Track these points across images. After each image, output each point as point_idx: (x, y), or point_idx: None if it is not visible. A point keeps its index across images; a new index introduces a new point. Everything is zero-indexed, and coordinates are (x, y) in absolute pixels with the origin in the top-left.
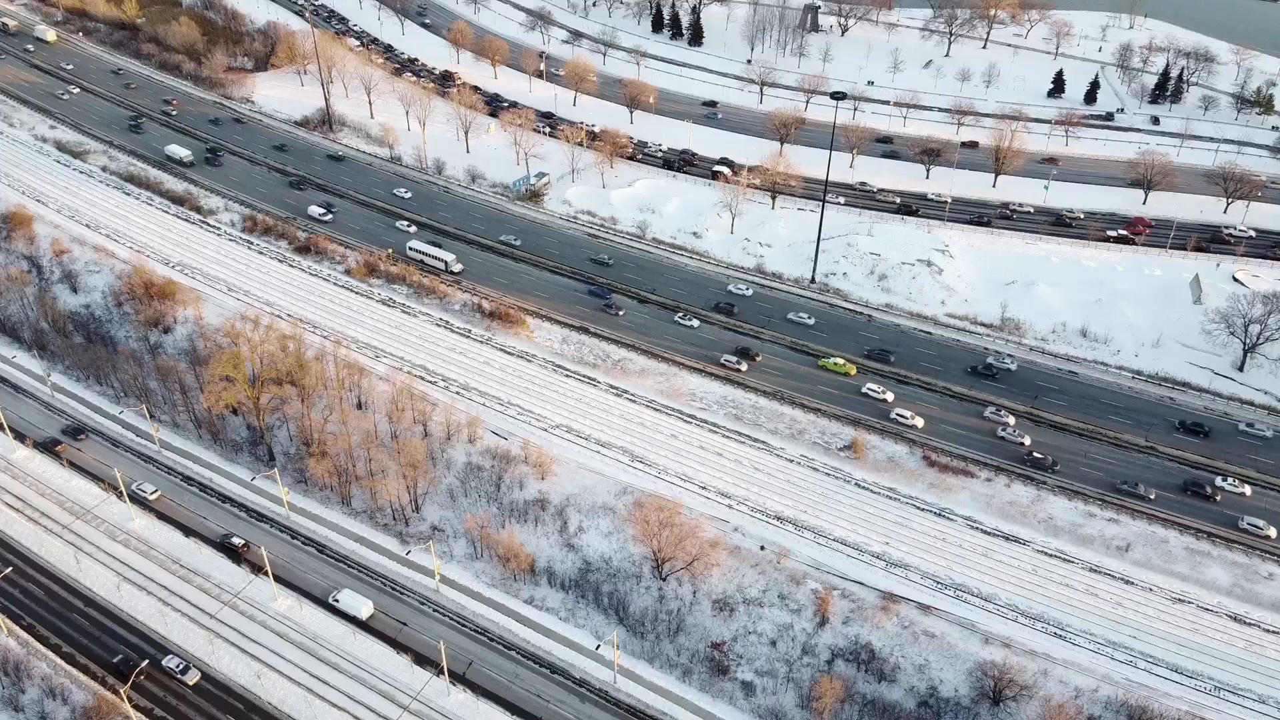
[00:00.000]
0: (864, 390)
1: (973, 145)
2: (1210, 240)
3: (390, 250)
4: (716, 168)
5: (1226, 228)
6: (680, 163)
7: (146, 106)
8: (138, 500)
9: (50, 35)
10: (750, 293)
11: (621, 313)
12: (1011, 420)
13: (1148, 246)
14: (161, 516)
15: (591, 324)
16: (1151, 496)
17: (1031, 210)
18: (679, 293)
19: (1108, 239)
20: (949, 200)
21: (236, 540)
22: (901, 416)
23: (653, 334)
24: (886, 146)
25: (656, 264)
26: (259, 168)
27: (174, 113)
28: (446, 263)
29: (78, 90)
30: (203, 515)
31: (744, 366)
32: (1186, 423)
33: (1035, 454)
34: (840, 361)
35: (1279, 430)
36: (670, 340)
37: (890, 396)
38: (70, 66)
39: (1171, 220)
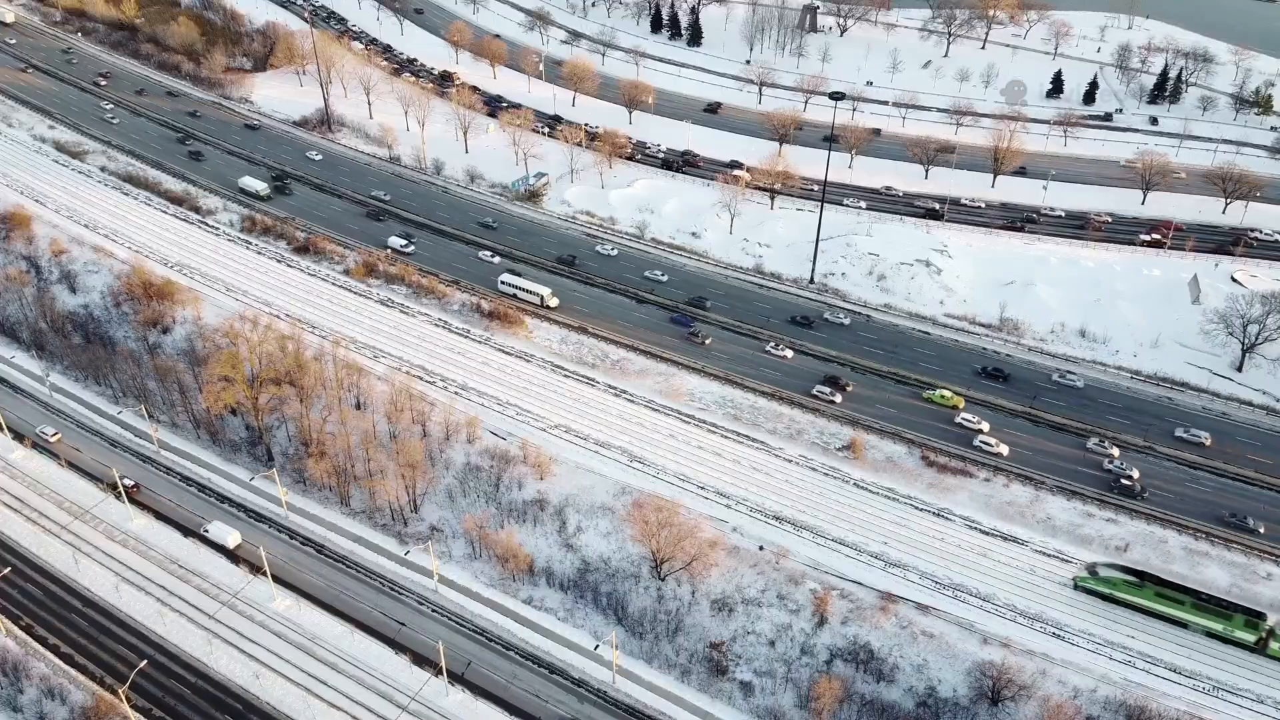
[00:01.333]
0: (958, 420)
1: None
2: (1233, 243)
3: (389, 251)
4: (735, 172)
5: (1252, 230)
6: (680, 163)
7: (204, 132)
8: (37, 445)
9: (9, 16)
10: (615, 253)
11: (708, 341)
12: (1116, 451)
13: (1146, 246)
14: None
15: (678, 355)
16: (1261, 530)
17: (1063, 214)
18: (550, 251)
19: (1141, 244)
20: (982, 205)
21: (128, 481)
22: (986, 444)
23: (741, 364)
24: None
25: (537, 225)
26: (334, 199)
27: (104, 83)
28: (542, 296)
29: (112, 106)
30: (95, 458)
31: (838, 398)
32: (988, 368)
33: (1124, 480)
34: (947, 394)
35: (1091, 381)
36: (761, 370)
37: (986, 426)
38: (13, 41)
39: (1172, 220)
